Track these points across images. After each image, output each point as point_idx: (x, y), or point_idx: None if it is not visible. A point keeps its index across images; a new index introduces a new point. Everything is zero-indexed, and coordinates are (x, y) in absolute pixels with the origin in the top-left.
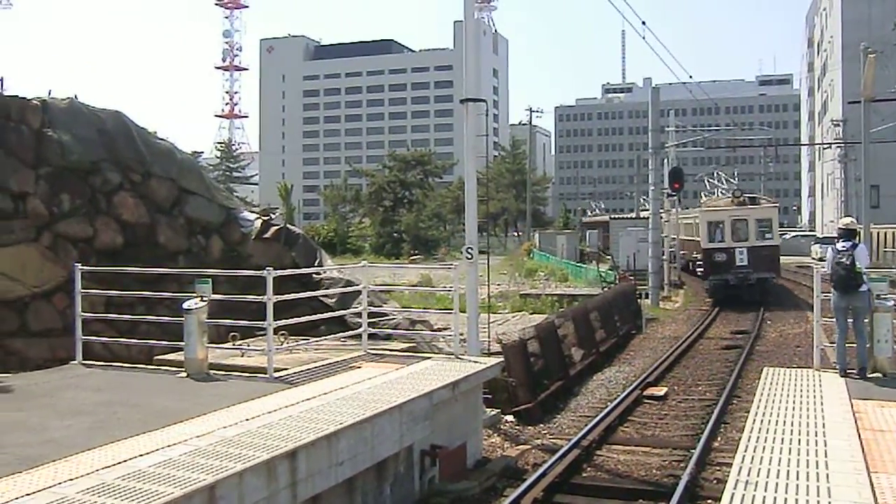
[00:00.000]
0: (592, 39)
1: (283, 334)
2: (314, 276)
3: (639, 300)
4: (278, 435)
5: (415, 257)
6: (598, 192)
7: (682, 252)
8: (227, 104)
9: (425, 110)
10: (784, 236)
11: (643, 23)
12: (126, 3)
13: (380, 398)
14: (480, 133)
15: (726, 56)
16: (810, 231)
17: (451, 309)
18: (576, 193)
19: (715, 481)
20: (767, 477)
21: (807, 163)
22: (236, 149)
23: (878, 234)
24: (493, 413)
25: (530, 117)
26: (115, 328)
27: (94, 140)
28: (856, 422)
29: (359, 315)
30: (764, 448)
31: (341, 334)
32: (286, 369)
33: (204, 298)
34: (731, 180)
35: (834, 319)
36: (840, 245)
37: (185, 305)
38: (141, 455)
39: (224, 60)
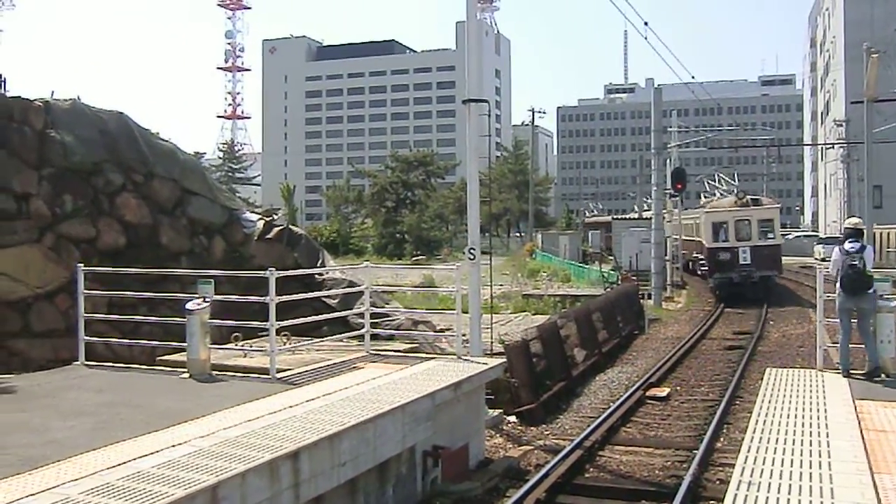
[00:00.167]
0: (595, 40)
1: (285, 335)
2: (317, 276)
3: (641, 300)
4: (281, 436)
5: (417, 258)
6: (601, 192)
7: (681, 252)
8: (229, 105)
9: (427, 111)
10: (787, 236)
11: (646, 23)
12: (128, 3)
13: (382, 399)
14: (483, 133)
15: (729, 56)
16: (813, 231)
17: (454, 309)
18: (578, 194)
19: (718, 482)
20: (770, 477)
21: (809, 163)
22: (239, 149)
23: (880, 234)
24: (495, 414)
25: (532, 118)
26: (118, 329)
27: (96, 141)
28: (859, 422)
29: (361, 316)
30: (767, 449)
31: (344, 335)
32: (289, 370)
33: (206, 299)
34: (731, 182)
35: (837, 320)
36: (848, 246)
37: (187, 306)
38: (143, 456)
39: (226, 61)
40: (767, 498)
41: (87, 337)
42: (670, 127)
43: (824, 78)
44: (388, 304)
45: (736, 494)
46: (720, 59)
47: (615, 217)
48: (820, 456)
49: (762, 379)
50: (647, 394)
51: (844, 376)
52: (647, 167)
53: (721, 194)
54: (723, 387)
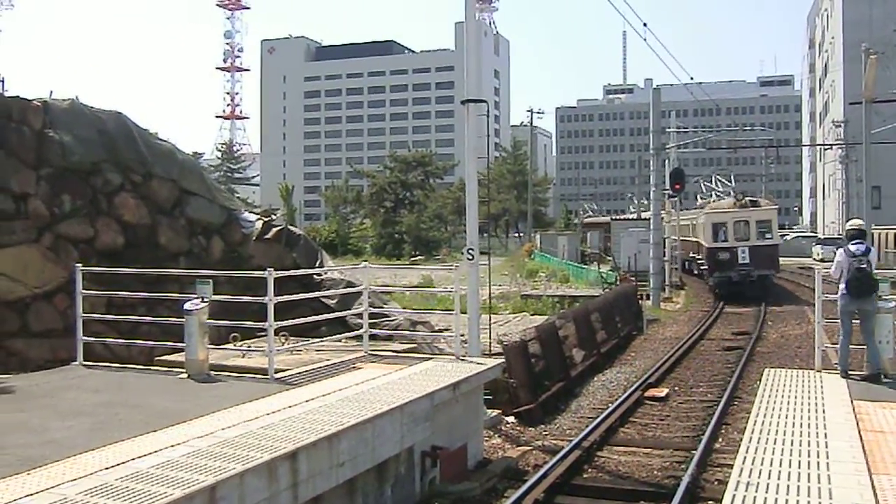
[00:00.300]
0: (593, 40)
1: (283, 335)
2: (315, 276)
3: (640, 301)
4: (279, 436)
5: (416, 258)
6: (600, 192)
7: (677, 252)
8: (228, 105)
9: (426, 111)
10: (785, 237)
11: (644, 24)
12: (127, 4)
13: (381, 399)
14: (481, 134)
15: (727, 57)
16: (811, 232)
17: (452, 310)
18: (577, 194)
19: (716, 482)
20: (769, 478)
21: (808, 164)
22: (237, 150)
23: (879, 235)
24: (494, 414)
25: (531, 118)
26: (116, 329)
27: (95, 141)
28: (857, 423)
29: (360, 316)
30: (765, 449)
31: (342, 335)
32: (287, 370)
33: (205, 299)
34: (727, 183)
35: (839, 321)
36: (854, 248)
37: (185, 306)
38: (142, 456)
39: (225, 61)
40: (766, 498)
41: (86, 337)
42: (669, 127)
43: (823, 79)
44: (386, 304)
45: (734, 495)
46: (719, 59)
47: (614, 217)
48: (818, 457)
49: (761, 379)
50: (646, 394)
51: (843, 377)
52: (645, 168)
53: (717, 196)
54: (721, 387)
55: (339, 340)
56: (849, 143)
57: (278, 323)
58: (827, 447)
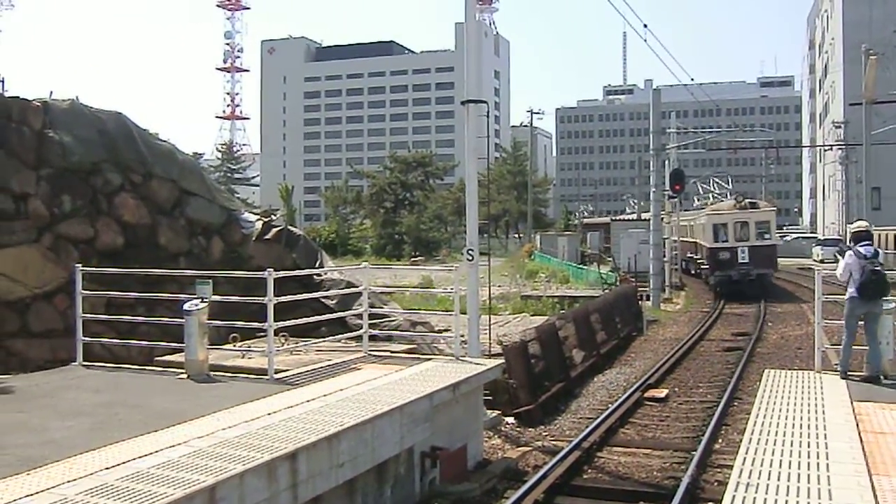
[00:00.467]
0: (594, 41)
1: (283, 336)
2: (315, 277)
3: (640, 302)
4: (279, 436)
5: (416, 259)
6: (600, 193)
7: (679, 253)
8: (228, 105)
9: (426, 112)
10: (785, 238)
11: (645, 25)
12: (127, 4)
13: (380, 400)
14: (481, 135)
15: (727, 58)
16: (811, 233)
17: (452, 310)
18: (577, 195)
19: (716, 483)
20: (768, 479)
21: (808, 165)
22: (237, 150)
23: (879, 236)
24: (493, 415)
25: (531, 119)
26: (116, 329)
27: (95, 141)
28: (857, 424)
29: (360, 316)
30: (765, 450)
31: (342, 336)
32: (287, 371)
33: (204, 300)
34: (725, 185)
35: (843, 322)
36: (864, 250)
37: (185, 307)
38: (141, 456)
39: (225, 62)
40: (766, 499)
41: (86, 337)
42: (669, 128)
43: (823, 79)
44: (386, 304)
45: (734, 496)
46: (719, 60)
47: (613, 218)
48: (818, 458)
49: (760, 380)
50: (646, 395)
51: (842, 378)
52: (645, 168)
53: (714, 197)
54: (721, 388)
55: (339, 341)
56: (849, 144)
57: (278, 323)
58: (827, 448)
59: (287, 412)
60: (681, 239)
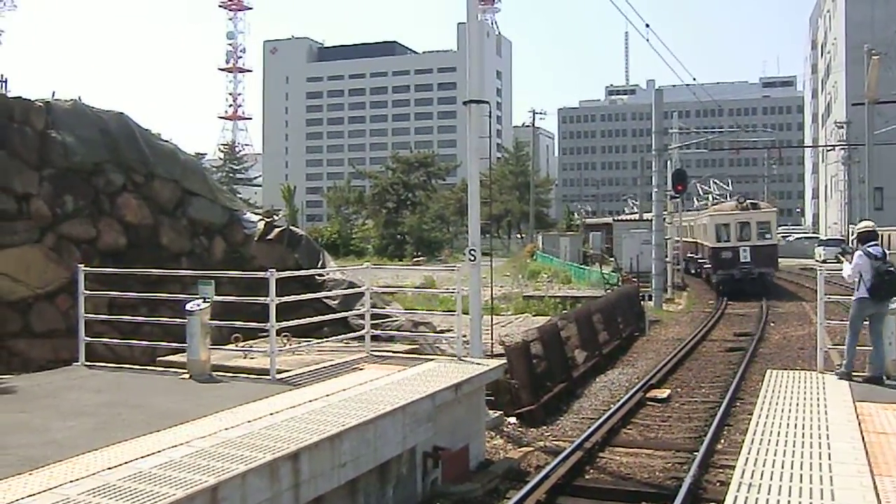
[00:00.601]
0: (596, 41)
1: (285, 336)
2: (317, 277)
3: (642, 302)
4: (281, 436)
5: (418, 259)
6: (602, 193)
7: (678, 252)
8: (230, 106)
9: (428, 112)
10: (787, 238)
11: (647, 25)
12: (130, 4)
13: (383, 400)
14: (483, 135)
15: (729, 58)
16: (813, 233)
17: (454, 311)
18: (579, 195)
19: (718, 484)
20: (771, 479)
21: (810, 165)
22: (239, 150)
23: (882, 236)
24: (495, 415)
25: (533, 119)
26: (118, 329)
27: (97, 141)
28: (860, 424)
29: (362, 317)
30: (767, 450)
31: (344, 336)
32: (289, 371)
33: (207, 300)
34: (725, 186)
35: (847, 323)
36: (875, 250)
37: (187, 307)
38: (143, 456)
39: (227, 62)
40: (768, 500)
41: (88, 337)
42: (671, 128)
43: (825, 80)
44: (388, 305)
45: (736, 496)
46: (721, 60)
47: (616, 218)
48: (820, 458)
49: (763, 381)
50: (648, 395)
51: (846, 379)
52: (648, 169)
53: (714, 198)
54: (723, 388)
55: (342, 341)
56: (851, 145)
57: (280, 323)
58: (829, 448)
59: (289, 412)
60: (682, 239)
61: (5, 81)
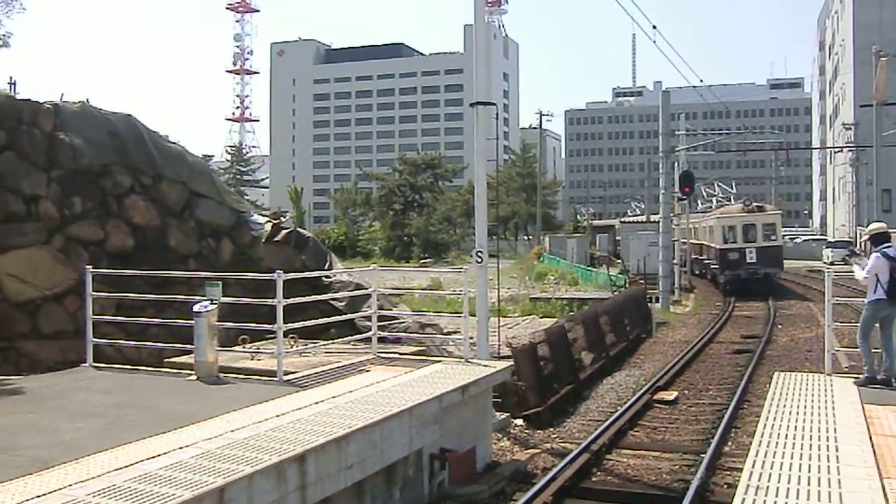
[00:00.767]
0: (603, 43)
1: (292, 337)
2: (324, 279)
3: (649, 304)
4: (288, 438)
5: (425, 261)
6: (609, 195)
7: (683, 253)
8: (237, 108)
9: (435, 114)
10: (795, 240)
11: (654, 26)
12: (138, 7)
13: (389, 401)
14: (491, 136)
15: (737, 60)
16: (821, 235)
17: (461, 312)
18: (586, 197)
19: (725, 486)
20: (778, 482)
21: (818, 166)
22: (247, 152)
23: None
24: (502, 417)
25: (540, 121)
26: (126, 331)
27: (105, 143)
28: (868, 427)
29: (369, 318)
30: (775, 453)
31: (351, 337)
32: (296, 372)
33: (214, 301)
34: (729, 189)
35: (859, 326)
36: (891, 251)
37: (195, 308)
38: (151, 457)
39: (235, 64)
40: (776, 502)
41: (95, 339)
42: (678, 130)
43: (833, 81)
44: (395, 306)
45: (744, 499)
46: (728, 62)
47: (622, 220)
48: (828, 461)
49: (770, 383)
50: (655, 397)
51: (868, 385)
52: (655, 170)
53: (718, 201)
54: (731, 390)
55: (348, 343)
56: (859, 146)
57: (287, 325)
58: (837, 451)
59: (296, 414)
60: (688, 241)
61: (14, 84)
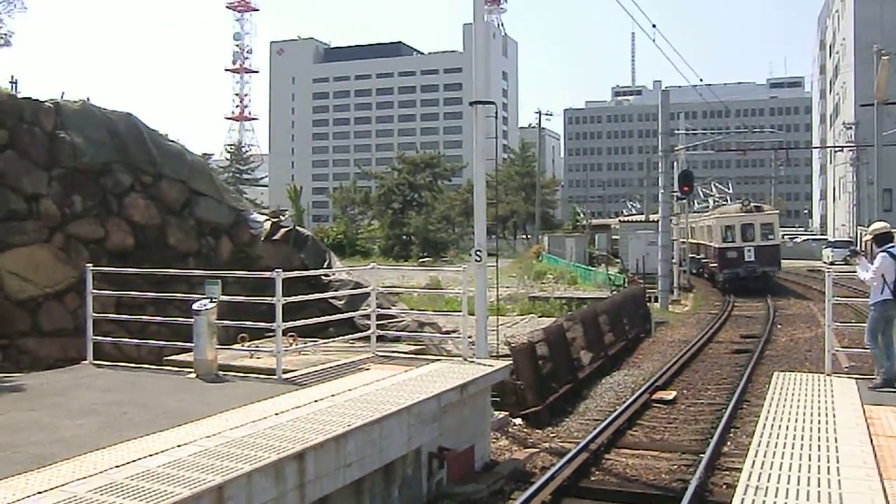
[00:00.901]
0: (602, 42)
1: (291, 336)
2: (323, 277)
3: (648, 303)
4: (287, 436)
5: (424, 260)
6: (608, 194)
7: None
8: (237, 106)
9: (434, 113)
10: (794, 240)
11: (653, 25)
12: (138, 6)
13: (388, 400)
14: (490, 135)
15: (737, 59)
16: (821, 235)
17: (460, 311)
18: (585, 196)
19: (724, 486)
20: (778, 483)
21: (818, 166)
22: (246, 151)
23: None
24: (501, 416)
25: (539, 120)
26: (126, 329)
27: (105, 142)
28: (868, 428)
29: (367, 317)
30: (774, 453)
31: (350, 336)
32: (295, 371)
33: (213, 300)
34: (725, 190)
35: (867, 329)
36: None
37: (194, 306)
38: (150, 455)
39: (234, 63)
40: (775, 503)
41: (96, 336)
42: (678, 129)
43: (833, 80)
44: (394, 305)
45: (743, 499)
46: (728, 61)
47: (621, 220)
48: (828, 461)
49: (770, 383)
50: (654, 397)
51: (886, 388)
52: (654, 170)
53: (715, 201)
54: (730, 390)
55: (347, 341)
56: (860, 145)
57: (286, 323)
58: (837, 452)
59: (295, 412)
60: (687, 240)
61: (15, 82)
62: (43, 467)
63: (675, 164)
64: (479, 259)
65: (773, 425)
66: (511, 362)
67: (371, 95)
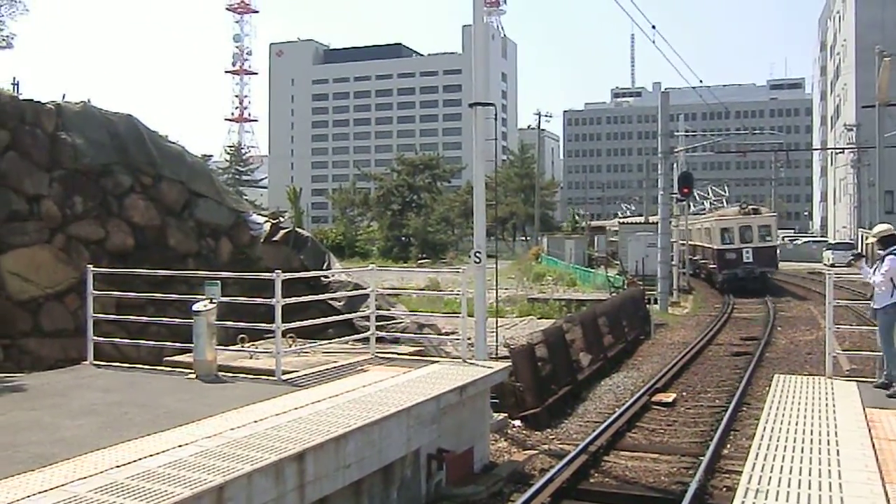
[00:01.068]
0: (602, 43)
1: (291, 337)
2: (322, 279)
3: (647, 305)
4: (286, 437)
5: (423, 261)
6: (607, 196)
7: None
8: (236, 108)
9: (434, 114)
10: (795, 242)
11: (653, 26)
12: (138, 8)
13: (387, 401)
14: (489, 137)
15: (737, 60)
16: (822, 237)
17: (459, 313)
18: (584, 198)
19: (724, 489)
20: (778, 486)
21: (819, 168)
22: (246, 152)
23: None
24: (500, 417)
25: (539, 121)
26: (126, 329)
27: (106, 143)
28: (869, 430)
29: (367, 318)
30: (774, 456)
31: (349, 337)
32: (294, 372)
33: (213, 300)
34: (722, 192)
35: (881, 334)
36: None
37: (194, 307)
38: (150, 455)
39: (234, 64)
40: None
41: (96, 337)
42: (677, 131)
43: (834, 82)
44: (393, 307)
45: (743, 502)
46: (728, 62)
47: (621, 221)
48: (829, 464)
49: (770, 385)
50: (653, 399)
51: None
52: (654, 171)
53: (712, 204)
54: (730, 393)
55: (347, 342)
56: (861, 147)
57: (286, 325)
58: (838, 455)
59: (294, 413)
60: (686, 242)
61: (17, 84)
62: (44, 467)
63: (674, 165)
64: (478, 260)
65: (773, 428)
66: (510, 364)
67: (370, 97)
